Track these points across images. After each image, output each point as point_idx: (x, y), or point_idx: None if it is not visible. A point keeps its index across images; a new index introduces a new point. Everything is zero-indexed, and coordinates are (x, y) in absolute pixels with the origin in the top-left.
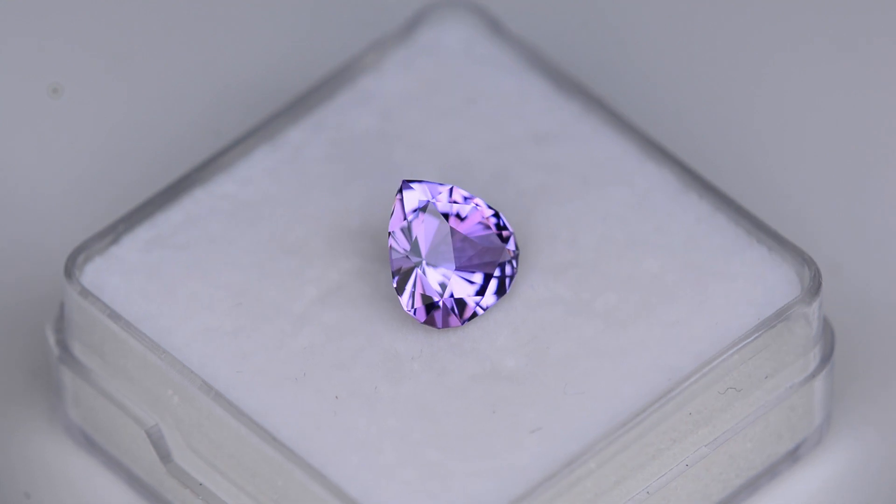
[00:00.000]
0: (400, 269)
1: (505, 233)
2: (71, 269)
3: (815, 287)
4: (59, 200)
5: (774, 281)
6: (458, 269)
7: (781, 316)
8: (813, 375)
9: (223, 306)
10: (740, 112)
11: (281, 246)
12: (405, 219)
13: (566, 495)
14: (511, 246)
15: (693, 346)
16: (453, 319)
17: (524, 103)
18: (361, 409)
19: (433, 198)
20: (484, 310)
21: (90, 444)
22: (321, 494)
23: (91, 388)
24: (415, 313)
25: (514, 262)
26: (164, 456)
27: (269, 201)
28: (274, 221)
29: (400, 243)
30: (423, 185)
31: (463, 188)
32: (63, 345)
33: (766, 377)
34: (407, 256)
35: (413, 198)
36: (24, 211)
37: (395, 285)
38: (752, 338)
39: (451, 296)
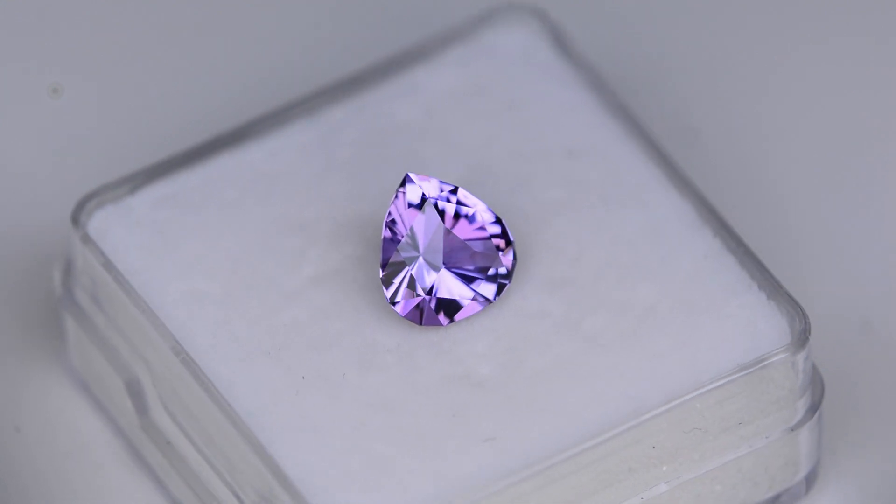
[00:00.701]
0: (388, 260)
1: (503, 242)
2: (78, 214)
3: (801, 340)
4: (82, 146)
5: (764, 329)
6: (448, 269)
7: (760, 364)
8: (797, 426)
9: (218, 272)
10: (774, 155)
11: (290, 222)
12: (402, 211)
13: None
14: (508, 256)
15: (667, 380)
16: (436, 318)
17: (565, 116)
18: (324, 392)
19: (436, 195)
20: (474, 312)
21: (85, 389)
22: (262, 470)
23: (86, 334)
24: (396, 307)
25: (507, 272)
26: (141, 410)
27: (290, 176)
28: (289, 197)
29: (395, 235)
30: (429, 181)
31: (481, 192)
32: (67, 289)
33: (741, 423)
34: (398, 249)
35: (415, 192)
36: (44, 152)
37: (381, 276)
38: (725, 381)
39: (435, 295)
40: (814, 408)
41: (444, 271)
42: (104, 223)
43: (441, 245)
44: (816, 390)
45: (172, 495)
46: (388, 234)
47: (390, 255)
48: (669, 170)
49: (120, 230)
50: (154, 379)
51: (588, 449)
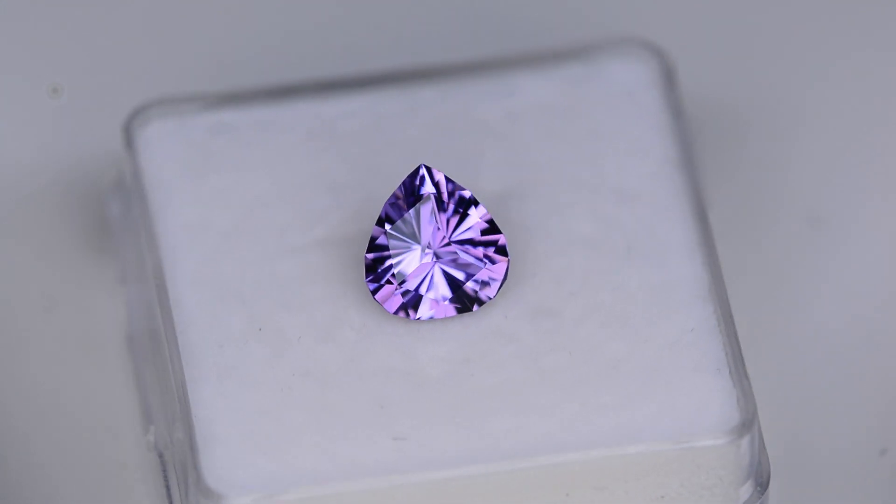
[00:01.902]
0: (376, 242)
1: (497, 256)
2: (133, 118)
3: (743, 428)
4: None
5: (715, 412)
6: (436, 267)
7: (687, 443)
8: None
9: (237, 209)
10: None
11: (327, 183)
12: (405, 199)
13: None
14: (499, 270)
15: (598, 431)
16: (407, 311)
17: (635, 157)
18: (271, 350)
19: (445, 193)
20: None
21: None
22: (176, 404)
23: (127, 248)
24: (372, 287)
25: (490, 285)
26: (130, 331)
27: (349, 140)
28: (339, 159)
29: (390, 220)
30: (442, 178)
31: (514, 207)
32: (116, 201)
33: (662, 497)
34: (389, 234)
35: (423, 184)
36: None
37: (367, 255)
38: (653, 448)
39: (416, 289)
40: (758, 494)
41: (433, 268)
42: (155, 133)
43: (434, 242)
44: (763, 476)
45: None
46: (383, 216)
47: (378, 238)
48: (705, 235)
49: (167, 144)
50: (140, 300)
51: (490, 474)
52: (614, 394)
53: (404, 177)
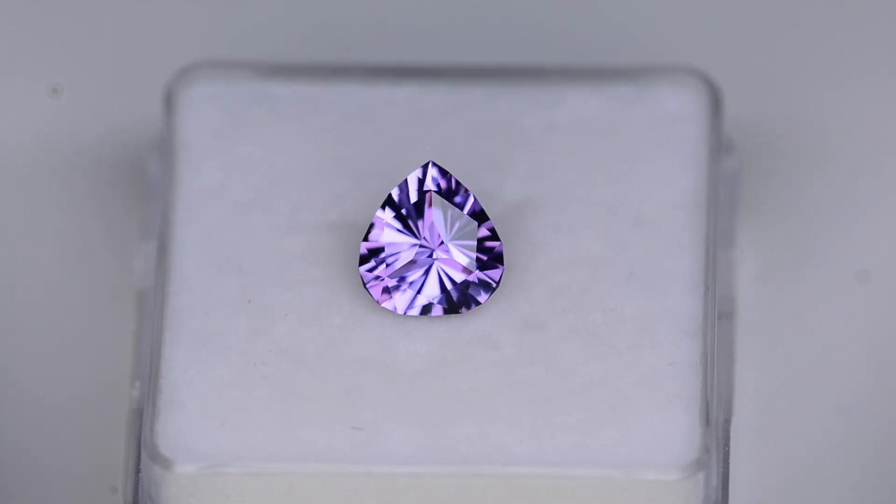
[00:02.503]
0: (372, 229)
1: (492, 263)
2: (179, 77)
3: (696, 466)
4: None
5: (677, 445)
6: (435, 264)
7: (638, 474)
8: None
9: (258, 181)
10: None
11: (350, 168)
12: (409, 193)
13: (323, 495)
14: (489, 277)
15: (549, 452)
16: (393, 305)
17: (662, 186)
18: (254, 322)
19: (450, 194)
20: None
21: None
22: (150, 360)
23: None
24: (363, 277)
25: (481, 291)
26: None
27: (383, 128)
28: (368, 147)
29: (394, 211)
30: (451, 179)
31: (527, 217)
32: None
33: None
34: (389, 226)
35: (423, 177)
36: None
37: (363, 244)
38: (594, 475)
39: (407, 284)
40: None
41: (427, 265)
42: (196, 95)
43: (431, 240)
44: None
45: None
46: (381, 211)
47: (376, 228)
48: (710, 273)
49: (206, 108)
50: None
51: (438, 476)
52: (580, 415)
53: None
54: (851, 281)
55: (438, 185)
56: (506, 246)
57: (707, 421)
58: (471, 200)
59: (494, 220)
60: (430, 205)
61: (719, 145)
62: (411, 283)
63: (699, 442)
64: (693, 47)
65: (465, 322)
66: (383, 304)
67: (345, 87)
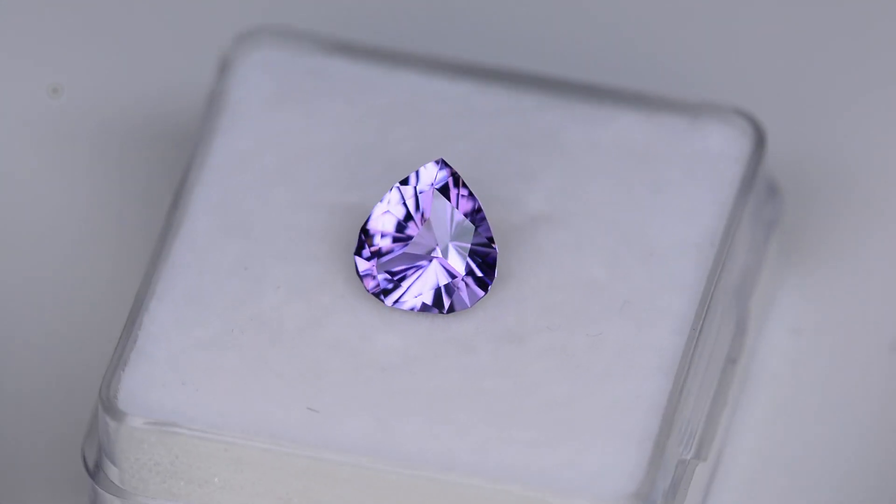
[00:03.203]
0: (371, 218)
1: (485, 271)
2: (236, 42)
3: (633, 500)
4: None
5: (616, 480)
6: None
7: (571, 500)
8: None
9: (287, 151)
10: None
11: (387, 155)
12: (415, 187)
13: (268, 467)
14: (478, 283)
15: (490, 464)
16: (381, 295)
17: (686, 221)
18: (243, 290)
19: (456, 196)
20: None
21: None
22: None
23: None
24: (356, 264)
25: (468, 295)
26: None
27: (428, 121)
28: (404, 136)
29: (397, 203)
30: (456, 178)
31: (537, 232)
32: (104, 473)
33: None
34: (389, 216)
35: (431, 174)
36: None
37: (361, 231)
38: (529, 495)
39: (398, 276)
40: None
41: (419, 261)
42: (254, 59)
43: (427, 236)
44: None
45: None
46: (385, 200)
47: (375, 216)
48: (701, 317)
49: (260, 73)
50: None
51: (379, 470)
52: (532, 433)
53: (460, 170)
54: (885, 350)
55: (446, 185)
56: (513, 256)
57: (657, 459)
58: (474, 205)
59: (511, 229)
60: (434, 202)
61: (756, 188)
62: (403, 277)
63: (641, 477)
64: (747, 90)
65: (448, 323)
66: (372, 293)
67: (401, 74)
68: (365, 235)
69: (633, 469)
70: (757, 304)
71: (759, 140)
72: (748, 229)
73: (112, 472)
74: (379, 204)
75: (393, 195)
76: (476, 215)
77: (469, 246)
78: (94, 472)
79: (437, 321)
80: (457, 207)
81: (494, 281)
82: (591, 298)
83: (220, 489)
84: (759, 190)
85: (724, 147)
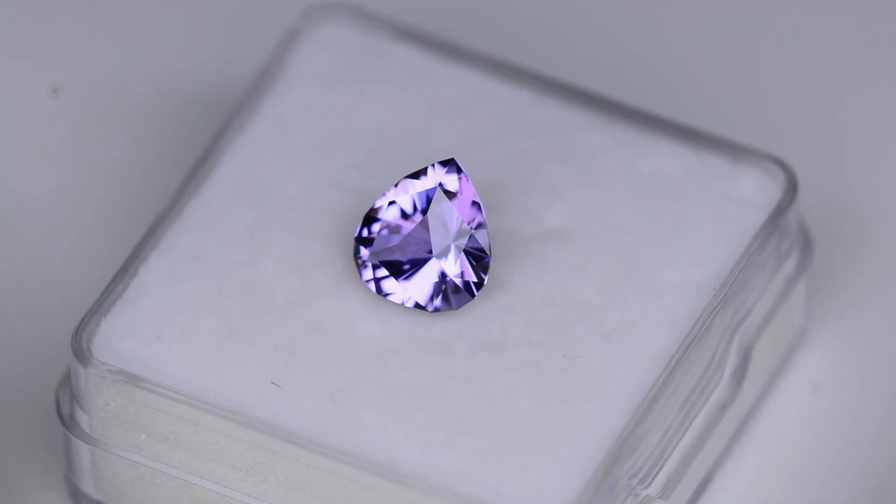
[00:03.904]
0: (374, 206)
1: (477, 276)
2: (304, 15)
3: (792, 186)
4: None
5: (540, 500)
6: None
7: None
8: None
9: (325, 131)
10: None
11: (423, 150)
12: (424, 182)
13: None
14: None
15: (428, 466)
16: (372, 283)
17: (696, 262)
18: (242, 256)
19: (463, 198)
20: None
21: None
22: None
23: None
24: (354, 249)
25: (454, 299)
26: None
27: (472, 121)
28: (449, 134)
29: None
30: (464, 180)
31: (546, 250)
32: (73, 418)
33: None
34: (393, 206)
35: (440, 174)
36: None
37: (366, 215)
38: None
39: (392, 267)
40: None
41: (415, 256)
42: (317, 34)
43: (424, 233)
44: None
45: None
46: (393, 190)
47: (379, 205)
48: (688, 349)
49: (321, 48)
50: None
51: (322, 457)
52: (481, 443)
53: (489, 174)
54: None
55: (455, 185)
56: (515, 267)
57: (599, 485)
58: (478, 210)
59: (521, 240)
60: (436, 202)
61: (781, 236)
62: (397, 270)
63: (575, 501)
64: (785, 138)
65: (434, 322)
66: (364, 280)
67: (460, 69)
68: (367, 222)
69: (569, 492)
70: (772, 355)
71: (791, 188)
72: (766, 276)
73: (82, 418)
74: (387, 192)
75: (402, 186)
76: (477, 221)
77: (464, 250)
78: (66, 418)
79: (423, 318)
80: (460, 211)
81: (489, 288)
82: (580, 321)
83: (178, 448)
84: (786, 238)
85: (754, 192)
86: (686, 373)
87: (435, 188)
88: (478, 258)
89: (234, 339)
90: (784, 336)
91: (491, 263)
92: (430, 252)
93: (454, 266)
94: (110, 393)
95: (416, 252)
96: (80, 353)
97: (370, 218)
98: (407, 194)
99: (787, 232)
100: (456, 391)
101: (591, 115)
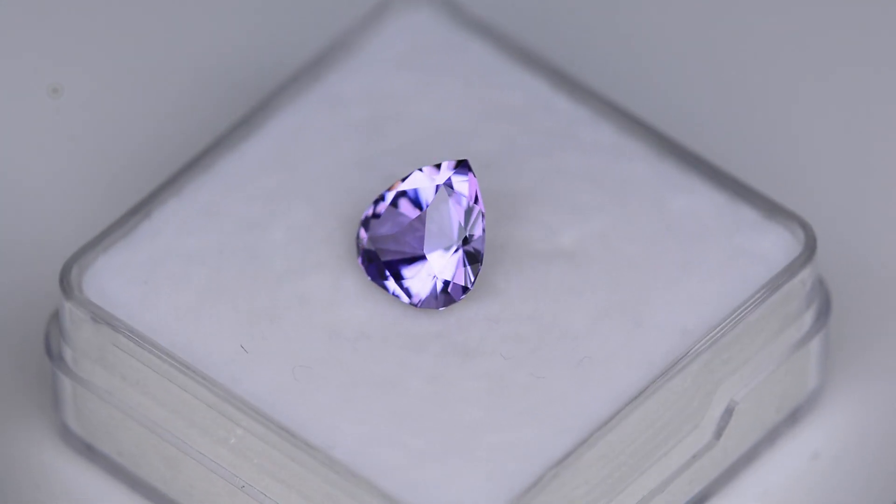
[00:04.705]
0: (387, 193)
1: (466, 282)
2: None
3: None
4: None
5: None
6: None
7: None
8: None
9: (373, 113)
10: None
11: (462, 147)
12: (433, 179)
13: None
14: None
15: (363, 461)
16: (379, 274)
17: (693, 306)
18: (253, 219)
19: (468, 201)
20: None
21: (89, 451)
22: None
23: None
24: (357, 234)
25: (440, 298)
26: None
27: (527, 130)
28: (497, 138)
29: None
30: (472, 185)
31: (550, 266)
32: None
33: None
34: (400, 196)
35: (447, 173)
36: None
37: (374, 201)
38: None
39: (389, 257)
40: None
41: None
42: (399, 21)
43: (422, 230)
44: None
45: None
46: (403, 182)
47: (386, 195)
48: (650, 396)
49: (399, 35)
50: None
51: (265, 425)
52: (419, 443)
53: (520, 184)
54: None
55: (462, 187)
56: (515, 279)
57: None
58: (479, 215)
59: (529, 255)
60: (441, 199)
61: (791, 293)
62: (391, 260)
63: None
64: (807, 197)
65: (417, 316)
66: (360, 264)
67: (528, 76)
68: (373, 209)
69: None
70: (774, 414)
71: (807, 249)
72: (768, 334)
73: (66, 352)
74: (399, 182)
75: (413, 178)
76: (477, 226)
77: (457, 252)
78: (53, 351)
79: (408, 312)
80: (461, 213)
81: (482, 294)
82: (558, 344)
83: (145, 395)
84: (795, 297)
85: (772, 248)
86: (650, 414)
87: (441, 186)
88: (471, 262)
89: (219, 298)
90: (790, 396)
91: (491, 271)
92: (424, 248)
93: (445, 266)
94: (89, 329)
95: (410, 245)
96: (67, 285)
97: (378, 202)
98: (415, 186)
99: (796, 291)
100: (414, 388)
101: (640, 146)
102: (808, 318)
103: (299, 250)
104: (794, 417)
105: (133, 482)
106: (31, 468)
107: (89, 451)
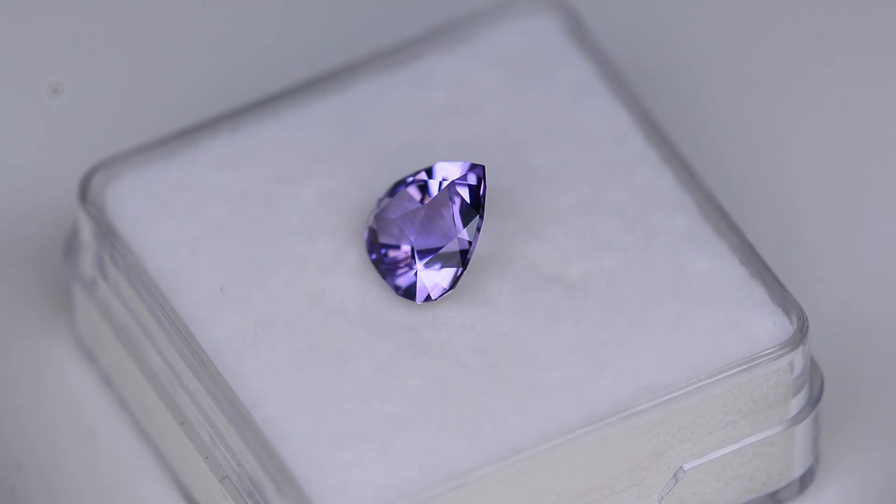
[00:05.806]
0: (400, 186)
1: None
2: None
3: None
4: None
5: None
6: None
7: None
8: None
9: (425, 114)
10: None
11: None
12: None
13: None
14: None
15: (295, 445)
16: (367, 250)
17: (665, 366)
18: (278, 191)
19: (469, 203)
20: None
21: (92, 360)
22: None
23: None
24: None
25: (412, 290)
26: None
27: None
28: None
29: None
30: (479, 193)
31: (550, 277)
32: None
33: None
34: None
35: (454, 174)
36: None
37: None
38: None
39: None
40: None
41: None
42: (511, 24)
43: (421, 227)
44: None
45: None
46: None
47: (397, 186)
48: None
49: (506, 32)
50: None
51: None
52: (342, 425)
53: (554, 205)
54: None
55: (469, 193)
56: (505, 295)
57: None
58: (475, 222)
59: (532, 274)
60: (444, 198)
61: (769, 375)
62: (385, 243)
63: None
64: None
65: (396, 305)
66: (369, 251)
67: (614, 103)
68: (387, 196)
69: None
70: (752, 486)
71: (799, 333)
72: (739, 410)
73: (76, 257)
74: (412, 175)
75: (432, 170)
76: (471, 232)
77: (444, 254)
78: (71, 257)
79: (391, 299)
80: (461, 216)
81: (467, 299)
82: (517, 365)
83: (130, 319)
84: (779, 379)
85: (764, 329)
86: (579, 456)
87: (446, 184)
88: (456, 266)
89: (222, 238)
90: (772, 479)
91: (487, 280)
92: (414, 240)
93: (429, 262)
94: (91, 235)
95: (404, 233)
96: (85, 189)
97: (390, 192)
98: (428, 178)
99: (783, 375)
100: (362, 372)
101: (689, 200)
102: (796, 403)
103: (320, 213)
104: (775, 500)
105: (120, 400)
106: (41, 370)
107: (90, 360)
